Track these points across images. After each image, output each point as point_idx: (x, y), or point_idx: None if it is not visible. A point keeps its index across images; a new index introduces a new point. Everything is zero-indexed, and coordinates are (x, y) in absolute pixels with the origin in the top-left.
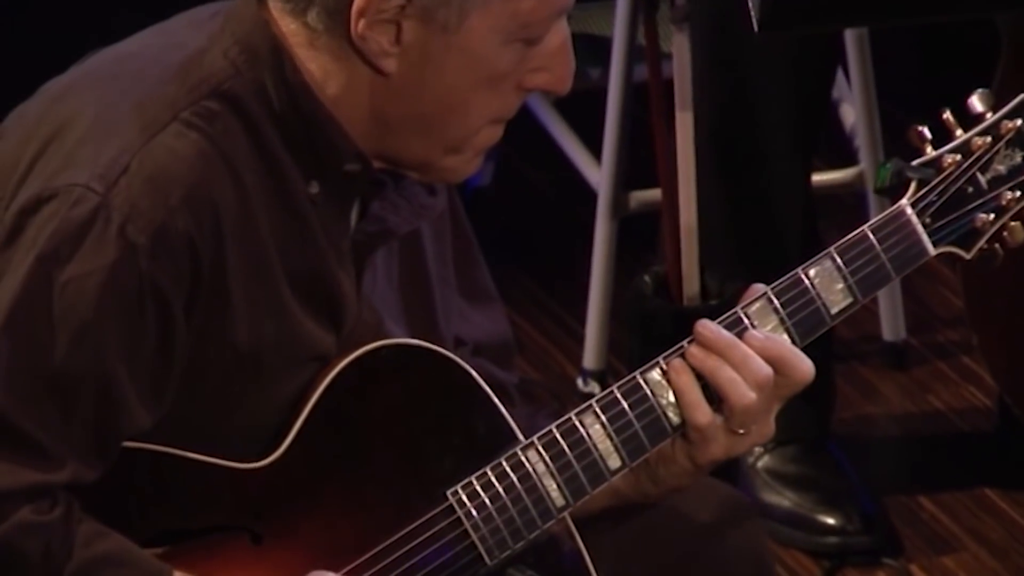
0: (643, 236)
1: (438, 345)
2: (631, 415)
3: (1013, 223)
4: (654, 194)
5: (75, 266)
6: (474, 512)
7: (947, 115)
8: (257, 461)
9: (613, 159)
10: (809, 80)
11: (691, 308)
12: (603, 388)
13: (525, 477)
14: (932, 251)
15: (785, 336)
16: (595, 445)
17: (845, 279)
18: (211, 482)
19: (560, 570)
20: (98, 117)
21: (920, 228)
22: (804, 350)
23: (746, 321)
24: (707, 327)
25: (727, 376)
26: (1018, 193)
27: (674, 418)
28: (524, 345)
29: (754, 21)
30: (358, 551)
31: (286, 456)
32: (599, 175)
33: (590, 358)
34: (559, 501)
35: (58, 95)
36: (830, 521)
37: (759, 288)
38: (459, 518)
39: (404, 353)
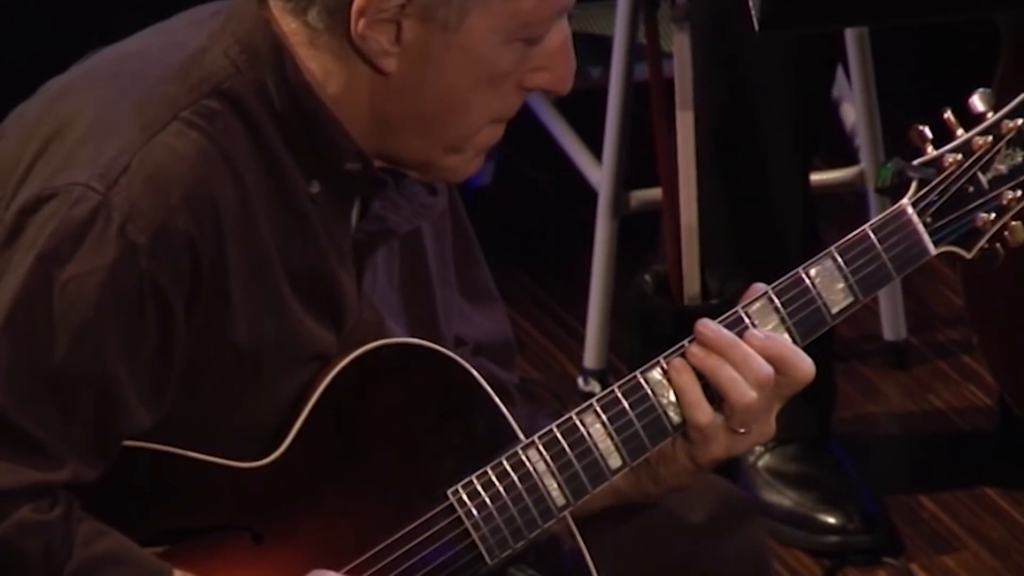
0: (644, 235)
1: (439, 345)
2: (632, 414)
3: (1014, 223)
4: (655, 193)
5: (75, 265)
6: (474, 511)
7: (948, 114)
8: (258, 460)
9: (614, 158)
10: (809, 80)
11: (692, 307)
12: (604, 387)
13: (526, 476)
14: (933, 250)
15: (786, 335)
16: (596, 444)
17: (846, 278)
18: (212, 481)
19: (561, 569)
20: (98, 116)
21: (921, 227)
22: (805, 349)
23: (747, 320)
24: (708, 326)
25: (728, 375)
26: (1019, 192)
27: (675, 417)
28: (525, 344)
29: (755, 20)
30: (358, 550)
31: (286, 455)
32: (600, 174)
33: (591, 357)
34: (560, 500)
35: (58, 95)
36: (831, 520)
37: (760, 287)
38: (459, 517)
39: (405, 352)
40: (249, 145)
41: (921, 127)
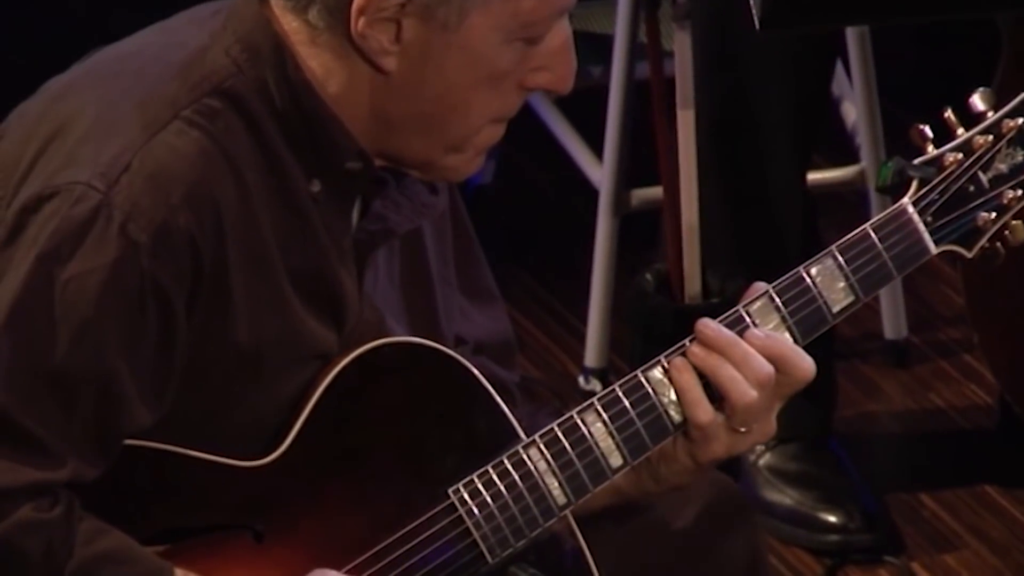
0: (644, 234)
1: (439, 344)
2: (633, 413)
3: (1014, 222)
4: (655, 192)
5: (76, 264)
6: (476, 510)
7: (948, 114)
8: (259, 459)
9: (614, 157)
10: (809, 79)
11: (692, 306)
12: (605, 386)
13: (527, 475)
14: (934, 250)
15: (787, 334)
16: (597, 443)
17: (847, 277)
18: (213, 480)
19: (561, 568)
20: (99, 116)
21: (922, 227)
22: (806, 348)
23: (747, 319)
24: (708, 325)
25: (728, 374)
26: (1019, 192)
27: (676, 416)
28: (525, 343)
29: (755, 19)
30: (360, 549)
31: (288, 454)
32: (600, 173)
33: (591, 356)
34: (561, 499)
35: (59, 94)
36: (831, 519)
37: (760, 287)
38: (460, 516)
39: (405, 351)
40: (250, 144)
41: (922, 126)
